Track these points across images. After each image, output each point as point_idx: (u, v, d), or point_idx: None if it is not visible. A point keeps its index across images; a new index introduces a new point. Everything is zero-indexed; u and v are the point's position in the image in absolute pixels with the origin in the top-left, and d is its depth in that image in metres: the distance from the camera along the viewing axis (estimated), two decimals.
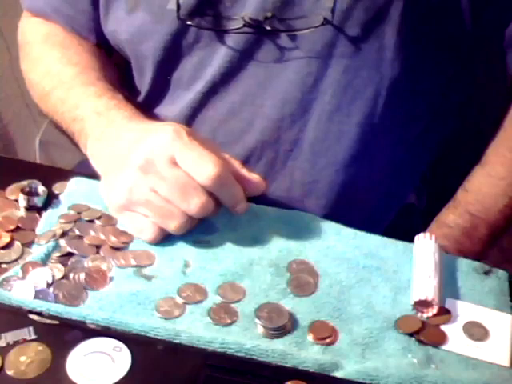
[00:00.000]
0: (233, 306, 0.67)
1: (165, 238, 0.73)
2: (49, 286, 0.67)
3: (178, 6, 0.80)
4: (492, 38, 0.87)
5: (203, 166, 0.69)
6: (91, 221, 0.74)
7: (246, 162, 0.87)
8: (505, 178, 0.86)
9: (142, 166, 0.71)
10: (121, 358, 0.61)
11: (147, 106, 0.91)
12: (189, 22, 0.82)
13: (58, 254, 0.70)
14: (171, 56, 0.86)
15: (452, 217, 0.85)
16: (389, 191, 0.94)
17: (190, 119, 0.88)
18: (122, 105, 0.81)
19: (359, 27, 0.80)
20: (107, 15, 0.89)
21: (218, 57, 0.83)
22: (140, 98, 0.92)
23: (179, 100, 0.88)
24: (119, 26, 0.88)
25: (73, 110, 0.84)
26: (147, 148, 0.71)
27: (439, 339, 0.67)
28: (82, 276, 0.68)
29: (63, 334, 0.63)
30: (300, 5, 0.79)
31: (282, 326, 0.66)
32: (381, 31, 0.80)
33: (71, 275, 0.68)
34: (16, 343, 0.62)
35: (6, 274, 0.67)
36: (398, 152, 0.90)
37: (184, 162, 0.70)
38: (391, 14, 0.79)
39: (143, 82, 0.91)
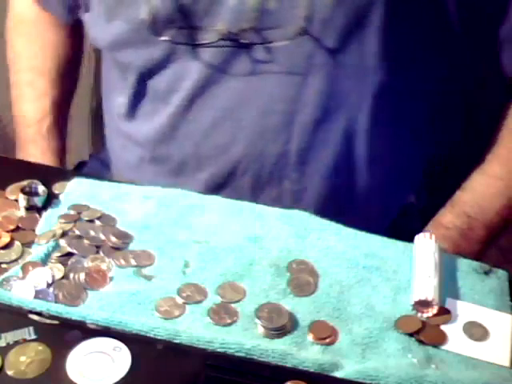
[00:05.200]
0: (233, 306, 0.67)
1: (164, 239, 0.73)
2: (49, 286, 0.67)
3: (152, 18, 0.79)
4: (484, 37, 0.85)
5: None
6: (91, 221, 0.74)
7: (232, 174, 0.87)
8: (502, 179, 0.85)
9: None
10: (121, 358, 0.61)
11: (129, 118, 0.90)
12: (162, 38, 0.80)
13: (58, 254, 0.70)
14: (149, 66, 0.84)
15: (449, 217, 0.85)
16: (385, 195, 0.93)
17: (171, 133, 0.87)
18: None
19: (338, 37, 0.78)
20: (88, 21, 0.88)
21: (194, 70, 0.82)
22: (122, 110, 0.90)
23: (159, 113, 0.87)
24: (99, 33, 0.87)
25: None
26: None
27: (439, 339, 0.67)
28: (82, 276, 0.68)
29: (63, 334, 0.63)
30: (276, 14, 0.78)
31: (282, 326, 0.65)
32: (361, 39, 0.79)
33: (71, 275, 0.68)
34: (16, 343, 0.62)
35: (5, 274, 0.67)
36: (390, 156, 0.89)
37: None
38: (372, 19, 0.78)
39: (126, 91, 0.89)
